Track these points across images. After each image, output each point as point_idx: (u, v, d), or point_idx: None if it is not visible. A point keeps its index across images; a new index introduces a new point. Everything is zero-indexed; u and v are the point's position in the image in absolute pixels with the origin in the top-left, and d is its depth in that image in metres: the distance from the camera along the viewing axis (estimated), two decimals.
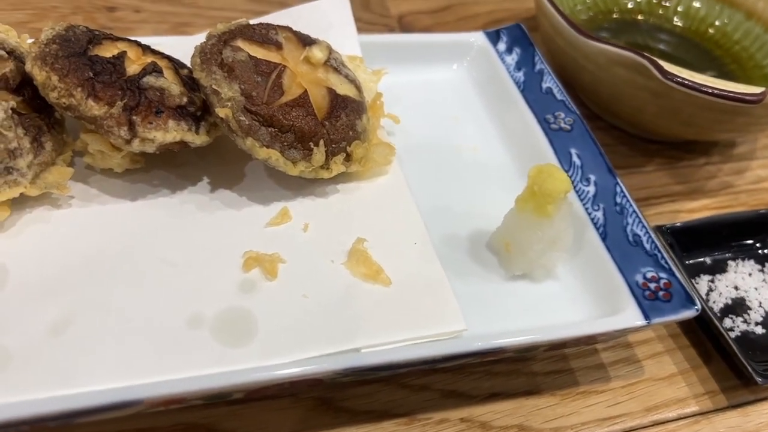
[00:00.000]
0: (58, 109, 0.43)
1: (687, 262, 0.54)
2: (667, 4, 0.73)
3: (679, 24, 0.73)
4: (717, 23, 0.73)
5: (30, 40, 0.49)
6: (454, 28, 0.73)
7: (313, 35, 0.53)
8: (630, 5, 0.73)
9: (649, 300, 0.43)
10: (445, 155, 0.54)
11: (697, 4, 0.74)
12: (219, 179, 0.48)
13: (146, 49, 0.48)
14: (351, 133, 0.48)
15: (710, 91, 0.48)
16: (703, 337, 0.50)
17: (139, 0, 0.69)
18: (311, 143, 0.46)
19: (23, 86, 0.44)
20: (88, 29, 0.46)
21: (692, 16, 0.74)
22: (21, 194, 0.43)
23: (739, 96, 0.48)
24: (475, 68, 0.60)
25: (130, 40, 0.48)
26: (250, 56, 0.46)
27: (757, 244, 0.55)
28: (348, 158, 0.48)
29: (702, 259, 0.54)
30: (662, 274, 0.44)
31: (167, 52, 0.49)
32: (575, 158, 0.51)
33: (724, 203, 0.61)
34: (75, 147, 0.47)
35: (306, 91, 0.47)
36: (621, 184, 0.50)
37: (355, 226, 0.46)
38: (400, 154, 0.52)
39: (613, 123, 0.65)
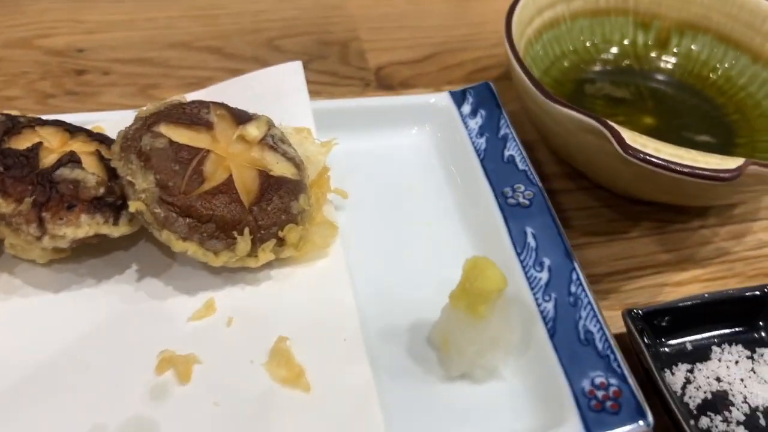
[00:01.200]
0: None
1: (663, 349, 0.48)
2: (655, 53, 0.68)
3: (677, 68, 0.68)
4: (720, 67, 0.67)
5: None
6: (434, 80, 0.70)
7: (262, 105, 0.51)
8: (617, 51, 0.68)
9: (594, 411, 0.39)
10: (395, 231, 0.51)
11: (695, 47, 0.68)
12: (148, 267, 0.46)
13: (76, 132, 0.46)
14: (284, 216, 0.45)
15: (678, 169, 0.43)
16: None
17: (109, 61, 0.68)
18: (235, 232, 0.44)
19: None
20: (8, 117, 0.45)
21: (693, 59, 0.68)
22: None
23: (712, 174, 0.43)
24: (438, 132, 0.57)
25: (59, 124, 0.46)
26: (170, 142, 0.44)
27: (747, 327, 0.50)
28: (281, 243, 0.46)
29: (682, 343, 0.49)
30: (612, 380, 0.40)
31: (117, 129, 0.48)
32: (530, 239, 0.47)
33: (717, 273, 0.56)
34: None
35: (230, 175, 0.44)
36: (578, 270, 0.45)
37: (282, 320, 0.44)
38: (346, 232, 0.49)
39: (596, 183, 0.60)
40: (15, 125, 0.44)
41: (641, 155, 0.44)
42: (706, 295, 0.50)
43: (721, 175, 0.43)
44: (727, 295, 0.50)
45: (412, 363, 0.44)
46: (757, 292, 0.50)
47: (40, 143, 0.43)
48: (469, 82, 0.70)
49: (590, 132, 0.49)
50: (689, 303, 0.49)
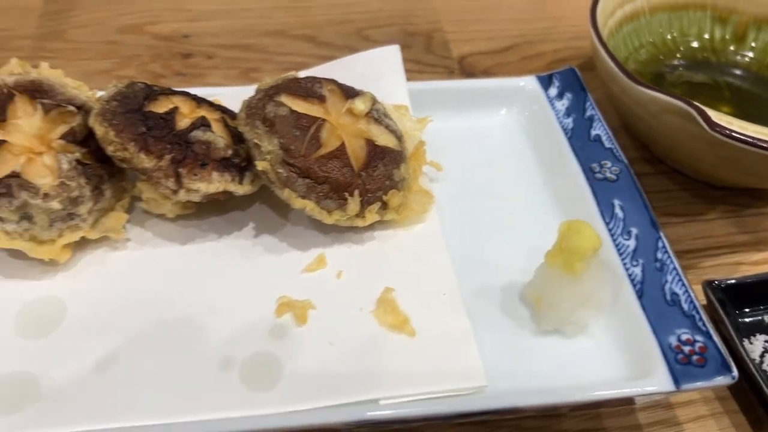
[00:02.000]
0: (115, 161, 0.47)
1: (742, 320, 0.51)
2: (733, 46, 0.70)
3: (755, 62, 0.70)
4: None
5: (100, 93, 0.53)
6: (515, 69, 0.73)
7: (363, 84, 0.55)
8: (695, 44, 0.70)
9: (681, 364, 0.41)
10: (486, 203, 0.54)
11: (762, 44, 0.70)
12: (263, 225, 0.51)
13: (201, 102, 0.51)
14: (387, 182, 0.50)
15: (763, 145, 0.46)
16: (755, 401, 0.48)
17: (212, 47, 0.73)
18: (346, 193, 0.48)
19: (89, 138, 0.49)
20: (146, 85, 0.50)
21: None
22: (81, 237, 0.47)
23: None
24: (525, 113, 0.60)
25: (186, 94, 0.51)
26: (291, 111, 0.48)
27: None
28: (384, 207, 0.50)
29: (759, 318, 0.51)
30: (698, 337, 0.43)
31: (231, 102, 0.53)
32: (618, 210, 0.50)
33: None
34: (133, 193, 0.51)
35: (343, 143, 0.49)
36: (664, 239, 0.48)
37: (386, 274, 0.48)
38: (441, 202, 0.53)
39: (674, 167, 0.63)
40: (152, 92, 0.49)
41: (727, 132, 0.47)
42: None
43: None
44: None
45: (505, 318, 0.47)
46: None
47: (175, 108, 0.48)
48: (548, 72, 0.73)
49: (675, 113, 0.52)
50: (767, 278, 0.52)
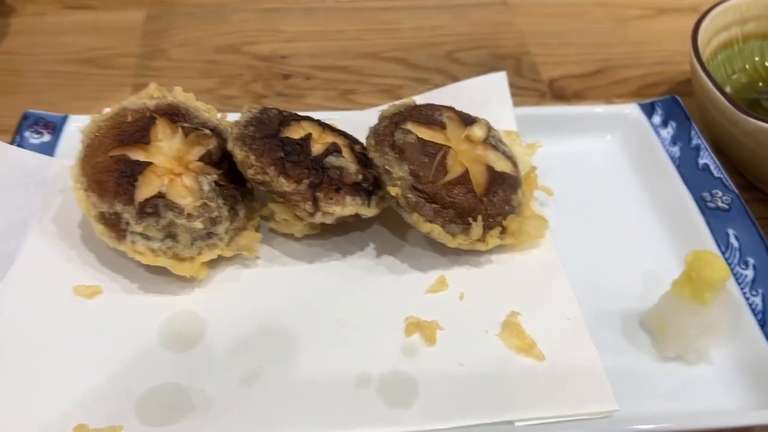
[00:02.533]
0: (253, 183, 0.49)
1: None
2: None
3: None
4: None
5: (231, 117, 0.55)
6: (604, 93, 0.75)
7: (472, 110, 0.57)
8: None
9: None
10: (596, 229, 0.56)
11: None
12: (383, 246, 0.53)
13: (325, 127, 0.54)
14: (507, 207, 0.51)
15: None
16: None
17: (310, 68, 0.76)
18: (470, 218, 0.50)
19: (222, 160, 0.51)
20: (279, 112, 0.52)
21: None
22: (218, 255, 0.50)
23: None
24: (629, 140, 0.61)
25: (311, 120, 0.54)
26: (418, 138, 0.50)
27: None
28: (503, 231, 0.52)
29: None
30: None
31: (339, 125, 0.55)
32: (733, 239, 0.51)
33: None
34: (262, 213, 0.53)
35: (467, 169, 0.51)
36: None
37: (508, 298, 0.49)
38: (553, 227, 0.54)
39: None
40: (284, 118, 0.52)
41: None
42: None
43: None
44: None
45: (627, 343, 0.48)
46: None
47: (309, 134, 0.51)
48: (639, 96, 0.74)
49: None
50: None
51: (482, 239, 0.51)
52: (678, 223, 0.54)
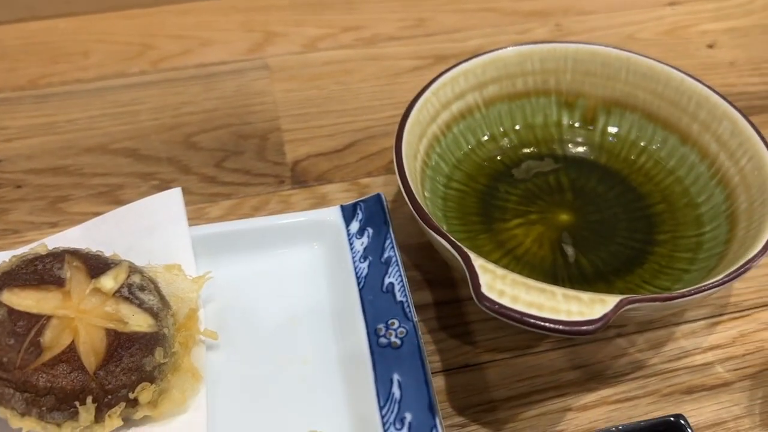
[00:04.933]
0: None
1: None
2: (581, 137, 0.64)
3: (604, 152, 0.64)
4: (649, 148, 0.63)
5: None
6: (352, 173, 0.68)
7: (140, 237, 0.50)
8: (536, 135, 0.64)
9: None
10: (268, 371, 0.49)
11: (623, 127, 0.64)
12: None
13: None
14: (134, 377, 0.44)
15: (532, 322, 0.40)
16: None
17: (24, 173, 0.67)
18: (77, 402, 0.42)
19: None
20: None
21: (621, 139, 0.64)
22: None
23: (569, 329, 0.40)
24: (327, 254, 0.54)
25: None
26: (10, 312, 0.43)
27: None
28: (134, 404, 0.44)
29: None
30: None
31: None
32: (395, 388, 0.44)
33: (629, 394, 0.52)
34: None
35: (73, 341, 0.43)
36: (439, 428, 0.42)
37: None
38: (218, 374, 0.47)
39: None
40: None
41: (496, 306, 0.41)
42: None
43: (582, 328, 0.40)
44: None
45: None
46: (661, 425, 0.46)
47: None
48: (388, 172, 0.68)
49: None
50: None
51: (100, 421, 0.43)
52: (350, 363, 0.47)
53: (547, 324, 0.40)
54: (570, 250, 0.56)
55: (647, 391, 0.52)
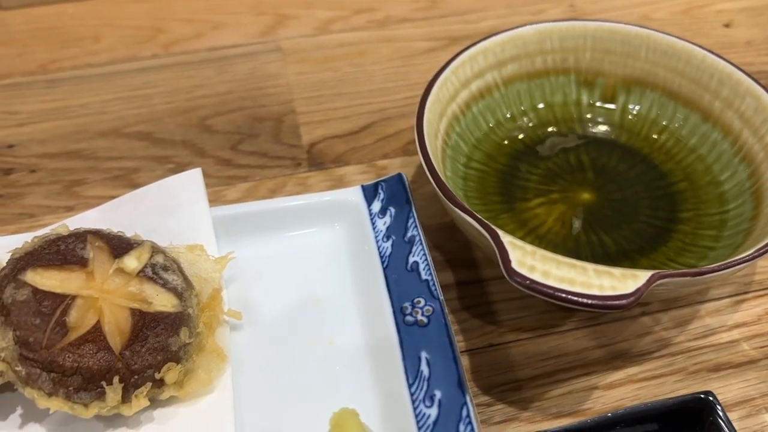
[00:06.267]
0: None
1: None
2: (601, 116, 0.64)
3: (624, 131, 0.63)
4: (669, 126, 0.62)
5: None
6: (369, 155, 0.67)
7: (156, 220, 0.49)
8: (556, 114, 0.64)
9: None
10: (294, 352, 0.48)
11: (644, 105, 0.63)
12: (29, 414, 0.45)
13: None
14: (160, 357, 0.44)
15: (564, 297, 0.40)
16: None
17: (38, 158, 0.67)
18: (103, 382, 0.42)
19: None
20: None
21: (642, 118, 0.63)
22: None
23: (603, 304, 0.40)
24: (348, 234, 0.54)
25: None
26: (34, 292, 0.42)
27: None
28: (160, 384, 0.44)
29: None
30: None
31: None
32: (424, 366, 0.44)
33: (655, 371, 0.51)
34: None
35: (98, 321, 0.43)
36: (469, 405, 0.42)
37: None
38: (242, 355, 0.47)
39: None
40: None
41: (528, 282, 0.41)
42: (621, 412, 0.46)
43: (616, 302, 0.40)
44: (645, 409, 0.46)
45: None
46: (690, 402, 0.46)
47: None
48: (405, 154, 0.67)
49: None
50: (605, 421, 0.45)
51: (127, 401, 0.43)
52: (377, 342, 0.47)
53: (580, 299, 0.39)
54: (577, 224, 0.56)
55: (673, 369, 0.52)
